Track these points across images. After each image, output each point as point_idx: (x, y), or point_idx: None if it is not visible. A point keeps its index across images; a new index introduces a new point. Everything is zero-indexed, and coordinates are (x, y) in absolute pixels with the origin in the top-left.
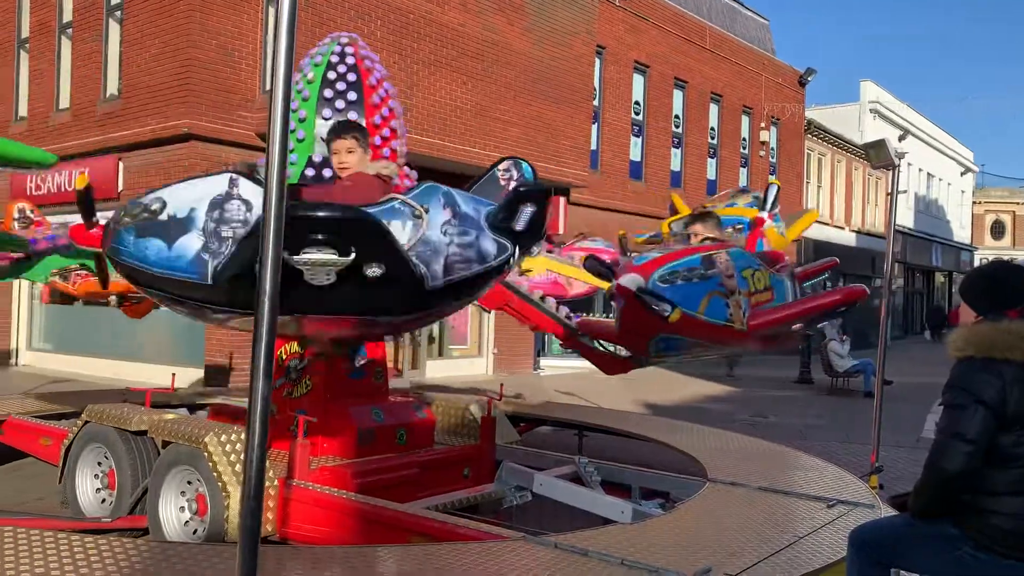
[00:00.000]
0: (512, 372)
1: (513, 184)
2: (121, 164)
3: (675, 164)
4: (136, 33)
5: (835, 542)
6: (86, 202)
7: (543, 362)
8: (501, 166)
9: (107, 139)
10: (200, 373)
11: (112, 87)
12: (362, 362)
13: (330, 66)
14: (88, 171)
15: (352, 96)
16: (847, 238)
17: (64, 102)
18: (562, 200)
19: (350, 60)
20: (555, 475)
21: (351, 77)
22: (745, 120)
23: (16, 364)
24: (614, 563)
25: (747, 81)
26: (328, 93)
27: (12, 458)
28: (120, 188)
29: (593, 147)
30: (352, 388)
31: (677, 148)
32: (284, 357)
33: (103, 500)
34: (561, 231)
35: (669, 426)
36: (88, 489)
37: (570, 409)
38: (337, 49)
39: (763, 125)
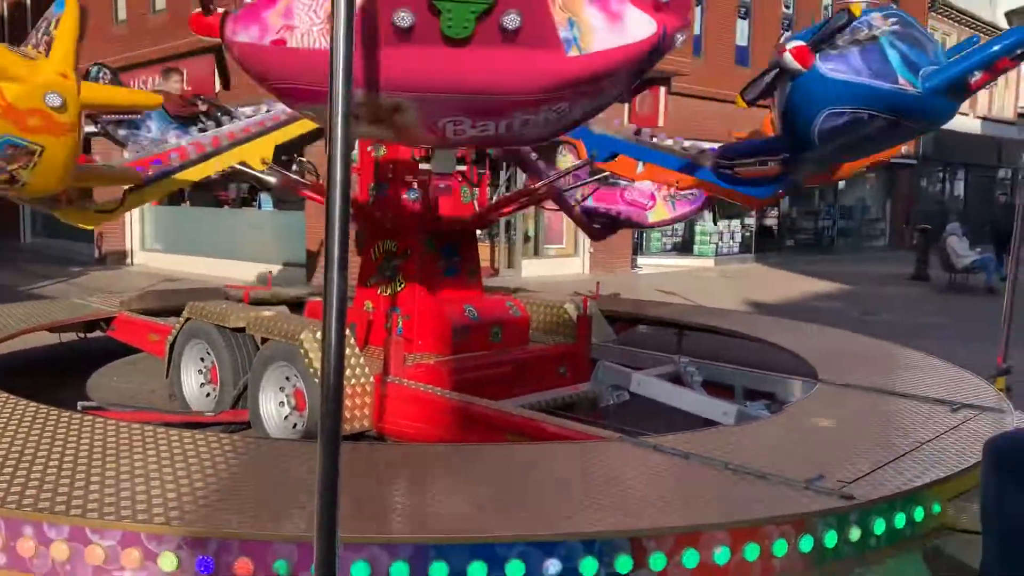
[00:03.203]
0: (609, 271)
1: None
2: (216, 65)
3: None
4: None
5: (962, 448)
6: None
7: (641, 260)
8: None
9: (202, 40)
10: (301, 272)
11: None
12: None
13: None
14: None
15: None
16: (971, 125)
17: (160, 3)
18: (662, 89)
19: None
20: (654, 375)
21: None
22: None
23: (132, 264)
24: (718, 467)
25: None
26: None
27: (129, 352)
28: (217, 88)
29: (696, 31)
30: (446, 286)
31: (787, 31)
32: (378, 255)
33: (207, 394)
34: (661, 123)
35: (774, 325)
36: (193, 384)
37: (669, 308)
38: None
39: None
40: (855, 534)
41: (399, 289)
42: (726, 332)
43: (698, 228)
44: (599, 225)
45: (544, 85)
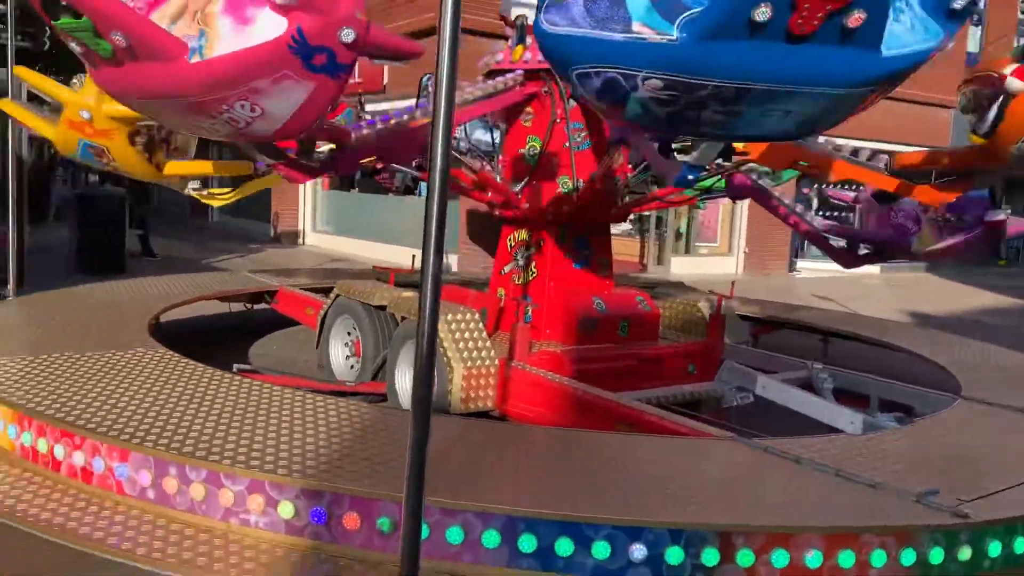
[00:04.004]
0: (765, 273)
1: None
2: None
3: None
4: None
5: None
6: None
7: (800, 264)
8: None
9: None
10: (454, 259)
11: None
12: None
13: None
14: None
15: None
16: None
17: None
18: None
19: None
20: (782, 378)
21: None
22: None
23: (303, 244)
24: (828, 474)
25: None
26: None
27: (290, 324)
28: (386, 81)
29: None
30: (576, 277)
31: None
32: (513, 244)
33: (351, 366)
34: None
35: (929, 337)
36: (339, 355)
37: (810, 312)
38: None
39: None
40: (965, 554)
41: (531, 278)
42: (867, 340)
43: None
44: (866, 251)
45: (192, 88)
